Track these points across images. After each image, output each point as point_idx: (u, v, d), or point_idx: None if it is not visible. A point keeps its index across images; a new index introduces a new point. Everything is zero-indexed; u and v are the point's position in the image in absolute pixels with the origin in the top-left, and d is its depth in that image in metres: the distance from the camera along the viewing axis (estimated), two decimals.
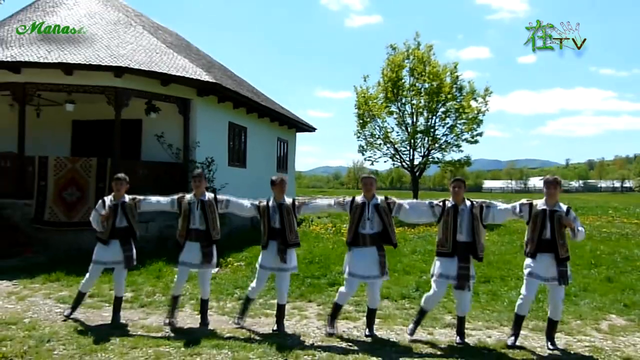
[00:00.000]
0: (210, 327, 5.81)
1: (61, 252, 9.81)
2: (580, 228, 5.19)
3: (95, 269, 6.04)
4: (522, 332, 5.66)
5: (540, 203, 5.30)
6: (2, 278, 8.03)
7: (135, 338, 5.27)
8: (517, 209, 5.39)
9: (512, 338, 5.34)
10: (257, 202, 5.90)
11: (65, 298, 6.92)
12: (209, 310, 6.34)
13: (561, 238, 5.14)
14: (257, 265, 5.96)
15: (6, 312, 6.20)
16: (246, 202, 6.00)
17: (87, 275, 6.07)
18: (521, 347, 5.24)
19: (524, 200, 5.46)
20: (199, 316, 6.04)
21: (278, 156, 18.87)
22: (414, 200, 5.91)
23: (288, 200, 5.83)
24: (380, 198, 5.60)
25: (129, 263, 5.98)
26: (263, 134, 17.18)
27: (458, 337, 5.43)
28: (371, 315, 5.72)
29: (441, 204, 5.49)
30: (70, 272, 8.23)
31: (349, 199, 5.74)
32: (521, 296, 5.39)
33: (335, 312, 5.72)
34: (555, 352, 5.15)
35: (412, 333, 5.52)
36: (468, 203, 5.41)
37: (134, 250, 6.09)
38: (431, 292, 5.49)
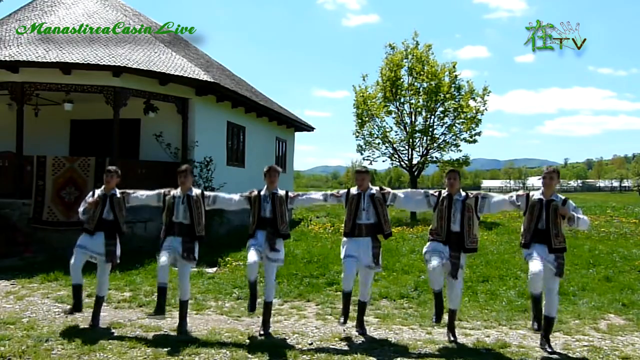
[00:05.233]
0: (209, 326, 5.79)
1: (60, 252, 9.75)
2: (581, 216, 5.18)
3: (78, 252, 5.70)
4: (520, 331, 5.69)
5: (537, 194, 5.35)
6: (1, 277, 8.02)
7: (133, 338, 5.26)
8: (515, 199, 5.44)
9: (535, 322, 5.25)
10: (247, 193, 5.88)
11: (63, 297, 6.91)
12: (207, 310, 6.34)
13: (555, 228, 5.16)
14: (246, 249, 5.83)
15: (4, 312, 6.20)
16: (235, 196, 5.96)
17: (72, 261, 5.72)
18: (523, 346, 5.26)
19: (520, 192, 5.54)
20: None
21: (277, 155, 18.85)
22: (409, 190, 6.03)
23: (281, 192, 5.83)
24: (375, 188, 5.71)
25: (111, 257, 5.76)
26: (261, 134, 17.16)
27: (450, 334, 5.47)
28: (362, 309, 5.74)
29: (436, 193, 5.60)
30: (69, 271, 8.16)
31: (343, 191, 5.82)
32: (529, 274, 5.17)
33: (344, 301, 5.69)
34: (554, 355, 5.07)
35: (437, 320, 5.56)
36: (463, 194, 5.48)
37: (118, 247, 5.87)
38: (429, 267, 5.44)
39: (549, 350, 5.13)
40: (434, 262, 5.37)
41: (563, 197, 5.30)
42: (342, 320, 5.68)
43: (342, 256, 5.72)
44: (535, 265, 5.09)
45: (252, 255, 5.54)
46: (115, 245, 5.85)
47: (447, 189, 5.53)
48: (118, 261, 5.96)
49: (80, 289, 5.85)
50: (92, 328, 5.60)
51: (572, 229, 5.35)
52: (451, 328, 5.53)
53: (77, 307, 5.83)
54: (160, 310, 5.65)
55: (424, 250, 5.65)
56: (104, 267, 5.85)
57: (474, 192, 5.59)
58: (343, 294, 5.73)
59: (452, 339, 5.42)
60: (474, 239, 5.42)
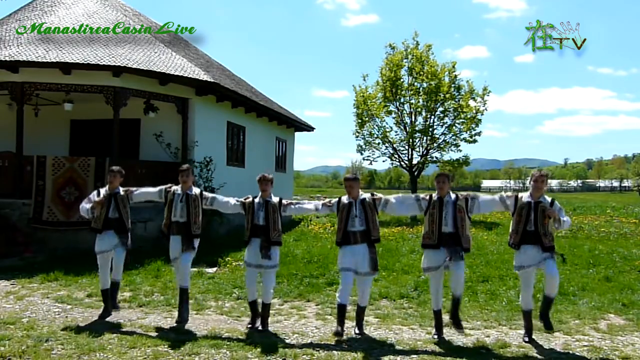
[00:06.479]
0: (209, 326, 5.80)
1: (60, 252, 9.80)
2: (564, 218, 5.32)
3: (100, 258, 6.13)
4: (520, 331, 5.68)
5: (525, 196, 5.45)
6: (1, 278, 8.01)
7: (133, 337, 5.26)
8: (504, 199, 5.54)
9: (526, 335, 5.45)
10: (242, 199, 5.97)
11: (63, 297, 6.91)
12: (207, 310, 6.34)
13: (543, 228, 5.29)
14: (244, 264, 6.05)
15: (4, 312, 6.19)
16: (232, 200, 6.07)
17: (99, 270, 6.20)
18: (523, 346, 5.26)
19: (509, 193, 5.63)
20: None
21: (277, 155, 18.84)
22: (400, 195, 6.09)
23: (275, 199, 5.87)
24: (367, 195, 5.74)
25: (125, 244, 6.21)
26: (261, 134, 17.16)
27: (453, 325, 5.54)
28: (360, 313, 5.77)
29: (427, 197, 5.65)
30: (69, 271, 8.22)
31: (334, 200, 5.85)
32: (521, 292, 5.57)
33: (339, 312, 5.65)
34: (550, 332, 5.37)
35: (438, 337, 5.50)
36: (453, 195, 5.54)
37: (130, 238, 6.30)
38: (431, 289, 5.71)
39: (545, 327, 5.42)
40: (435, 282, 5.57)
41: (550, 199, 5.40)
42: (339, 329, 5.50)
43: (339, 267, 5.79)
44: (528, 283, 5.43)
45: (250, 280, 5.88)
46: (127, 238, 6.28)
47: (437, 192, 5.59)
48: (130, 243, 6.37)
49: (107, 292, 6.20)
50: (116, 311, 6.18)
51: (557, 231, 5.47)
52: (455, 317, 5.56)
53: (106, 310, 6.14)
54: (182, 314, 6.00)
55: (422, 265, 5.73)
56: (121, 253, 6.24)
57: (464, 193, 5.66)
58: (338, 306, 5.62)
59: (455, 330, 5.51)
60: (468, 239, 5.49)
